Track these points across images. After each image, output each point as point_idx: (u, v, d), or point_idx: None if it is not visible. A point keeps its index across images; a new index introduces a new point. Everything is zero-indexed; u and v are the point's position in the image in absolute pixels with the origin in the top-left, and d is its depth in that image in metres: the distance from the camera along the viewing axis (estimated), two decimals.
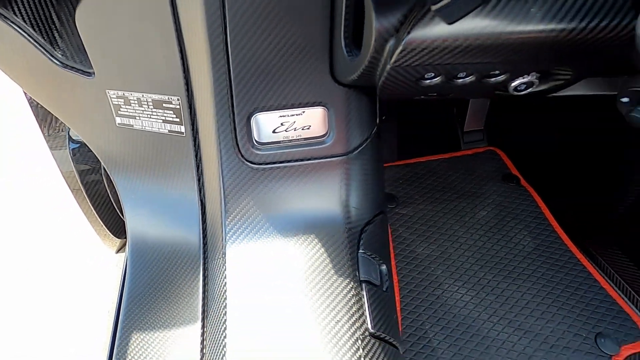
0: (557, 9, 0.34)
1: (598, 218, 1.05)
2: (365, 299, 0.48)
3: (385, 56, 0.36)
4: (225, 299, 0.47)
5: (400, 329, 0.78)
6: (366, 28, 0.36)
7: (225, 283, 0.49)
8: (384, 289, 0.53)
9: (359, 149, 0.55)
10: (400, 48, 0.34)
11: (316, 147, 0.52)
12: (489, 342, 0.76)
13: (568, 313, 0.80)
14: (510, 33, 0.34)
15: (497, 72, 0.39)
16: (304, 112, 0.50)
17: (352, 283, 0.48)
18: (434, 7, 0.28)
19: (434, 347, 0.75)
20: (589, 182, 1.13)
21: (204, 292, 0.51)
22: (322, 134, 0.52)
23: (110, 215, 0.81)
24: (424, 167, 1.08)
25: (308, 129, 0.51)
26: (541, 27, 0.34)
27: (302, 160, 0.52)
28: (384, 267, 0.55)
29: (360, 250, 0.53)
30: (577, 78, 0.42)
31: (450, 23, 0.29)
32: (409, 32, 0.33)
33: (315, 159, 0.52)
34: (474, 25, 0.33)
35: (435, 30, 0.32)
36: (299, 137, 0.51)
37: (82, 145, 0.80)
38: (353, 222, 0.55)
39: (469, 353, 0.75)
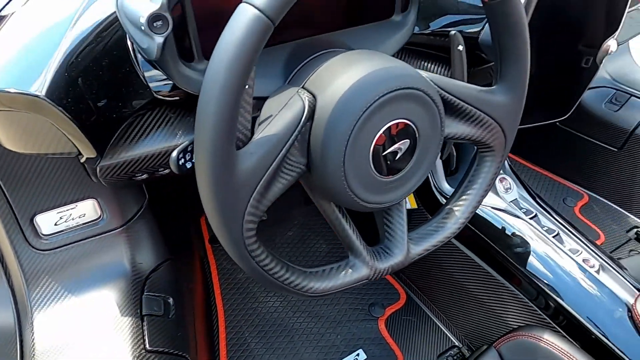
0: (190, 129, 0.58)
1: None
2: (145, 328, 0.67)
3: (97, 171, 0.56)
4: (34, 357, 0.63)
5: (224, 343, 0.98)
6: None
7: (34, 345, 0.64)
8: (169, 316, 0.73)
9: (133, 219, 0.75)
10: (98, 169, 0.55)
11: (94, 227, 0.70)
12: (293, 333, 1.00)
13: (350, 294, 1.08)
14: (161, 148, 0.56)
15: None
16: (77, 205, 0.68)
17: (133, 319, 0.67)
18: (81, 160, 0.49)
19: (251, 349, 0.97)
20: None
21: (21, 358, 0.65)
22: (96, 217, 0.70)
23: None
24: None
25: (84, 216, 0.69)
26: (179, 141, 0.57)
27: (85, 239, 0.70)
28: (170, 300, 0.75)
29: (145, 293, 0.72)
30: None
31: (94, 172, 0.51)
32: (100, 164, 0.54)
33: (96, 235, 0.71)
34: (129, 154, 0.54)
35: (105, 162, 0.54)
36: (78, 224, 0.69)
37: None
38: (138, 274, 0.74)
39: (278, 345, 0.98)
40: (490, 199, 0.84)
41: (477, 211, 0.84)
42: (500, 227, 0.81)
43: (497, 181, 0.85)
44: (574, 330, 0.72)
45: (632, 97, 1.23)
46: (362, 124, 0.42)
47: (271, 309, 1.05)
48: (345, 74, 0.43)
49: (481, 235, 0.83)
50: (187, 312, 0.83)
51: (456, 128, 0.52)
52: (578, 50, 0.69)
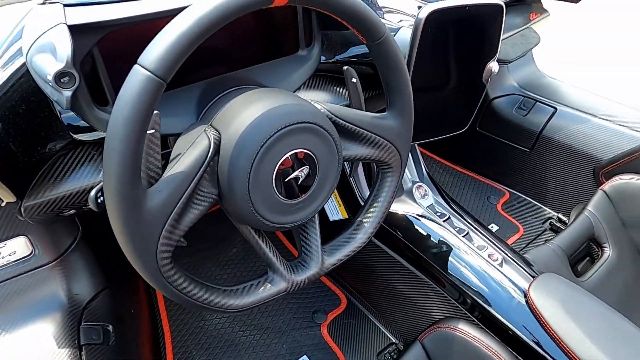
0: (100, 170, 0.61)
1: None
2: (83, 358, 0.69)
3: (22, 211, 0.59)
4: None
5: None
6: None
7: None
8: (109, 344, 0.75)
9: (67, 252, 0.77)
10: (23, 209, 0.57)
11: (26, 263, 0.72)
12: (240, 347, 1.04)
13: (294, 304, 1.13)
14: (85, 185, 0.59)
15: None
16: (6, 244, 0.69)
17: (71, 350, 0.69)
18: (1, 205, 0.52)
19: None
20: None
21: None
22: (28, 254, 0.72)
23: None
24: None
25: (14, 253, 0.71)
26: (92, 181, 0.61)
27: (17, 276, 0.71)
28: (109, 327, 0.77)
29: (83, 323, 0.74)
30: None
31: (20, 211, 0.54)
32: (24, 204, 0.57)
33: (29, 271, 0.72)
34: (53, 192, 0.57)
35: (29, 202, 0.56)
36: (9, 262, 0.70)
37: None
38: (75, 305, 0.75)
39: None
40: (410, 207, 0.92)
41: (400, 218, 0.92)
42: (419, 231, 0.90)
43: (414, 189, 0.94)
44: (484, 318, 0.81)
45: (537, 103, 1.37)
46: (261, 156, 0.47)
47: (217, 326, 1.08)
48: (245, 112, 0.49)
49: (404, 239, 0.91)
50: (131, 337, 0.85)
51: (356, 150, 0.59)
52: (468, 73, 0.79)
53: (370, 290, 1.10)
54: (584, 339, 0.67)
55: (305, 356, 1.02)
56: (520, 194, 1.48)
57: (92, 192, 0.50)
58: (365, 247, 0.95)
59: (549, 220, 1.38)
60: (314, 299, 1.14)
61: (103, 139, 0.59)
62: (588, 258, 1.14)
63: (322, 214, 1.06)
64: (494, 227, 1.37)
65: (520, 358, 0.74)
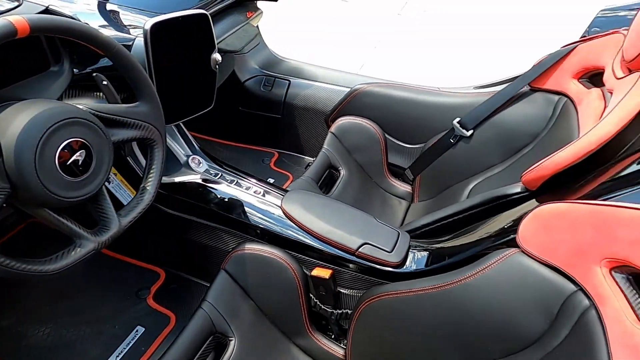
0: None
1: None
2: None
3: None
4: None
5: None
6: None
7: None
8: None
9: None
10: None
11: None
12: (74, 344, 1.12)
13: (117, 290, 1.25)
14: None
15: None
16: None
17: None
18: None
19: None
20: None
21: None
22: None
23: None
24: None
25: None
26: None
27: None
28: None
29: None
30: None
31: None
32: None
33: None
34: None
35: None
36: None
37: None
38: None
39: None
40: (190, 176, 1.16)
41: (186, 186, 1.15)
42: (203, 191, 1.15)
43: (189, 161, 1.18)
44: (264, 235, 1.12)
45: (276, 79, 1.77)
46: (41, 149, 0.63)
47: (44, 336, 1.13)
48: (17, 120, 0.64)
49: (193, 201, 1.14)
50: None
51: (124, 134, 0.79)
52: (200, 64, 1.06)
53: (181, 254, 1.30)
54: (315, 220, 1.04)
55: (139, 326, 1.17)
56: (285, 151, 1.88)
57: None
58: (166, 219, 1.16)
59: (308, 165, 1.82)
60: (135, 281, 1.29)
61: None
62: (336, 182, 1.60)
63: (117, 201, 1.20)
64: (271, 180, 1.73)
65: (289, 251, 1.07)
